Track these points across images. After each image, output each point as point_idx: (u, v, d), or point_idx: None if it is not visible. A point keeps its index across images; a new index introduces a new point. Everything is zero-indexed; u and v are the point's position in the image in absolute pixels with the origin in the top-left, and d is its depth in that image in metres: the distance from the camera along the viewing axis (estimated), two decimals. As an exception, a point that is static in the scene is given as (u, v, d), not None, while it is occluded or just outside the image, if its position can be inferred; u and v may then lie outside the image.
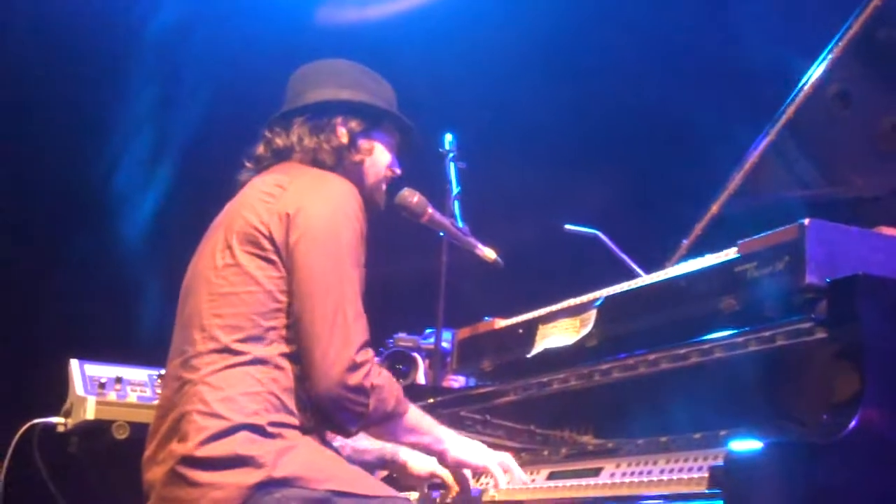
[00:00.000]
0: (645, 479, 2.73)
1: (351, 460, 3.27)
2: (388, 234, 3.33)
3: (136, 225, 5.90)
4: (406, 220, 3.75)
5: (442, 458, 3.22)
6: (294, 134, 3.22)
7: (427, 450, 3.22)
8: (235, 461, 2.83)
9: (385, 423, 3.01)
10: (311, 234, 2.97)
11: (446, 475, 3.30)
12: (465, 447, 3.20)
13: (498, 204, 5.11)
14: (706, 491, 2.48)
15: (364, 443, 3.40)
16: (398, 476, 3.47)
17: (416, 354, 4.86)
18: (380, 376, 2.95)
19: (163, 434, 2.97)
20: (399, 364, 4.84)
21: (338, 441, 3.35)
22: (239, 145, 3.31)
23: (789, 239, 2.71)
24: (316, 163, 3.19)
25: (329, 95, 3.25)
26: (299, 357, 2.95)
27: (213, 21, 6.13)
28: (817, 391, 2.56)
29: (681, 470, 2.70)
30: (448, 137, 4.23)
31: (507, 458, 3.22)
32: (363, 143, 3.26)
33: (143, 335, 5.12)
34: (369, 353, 2.95)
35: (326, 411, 2.93)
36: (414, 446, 3.23)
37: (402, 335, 4.87)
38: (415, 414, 3.10)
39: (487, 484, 3.24)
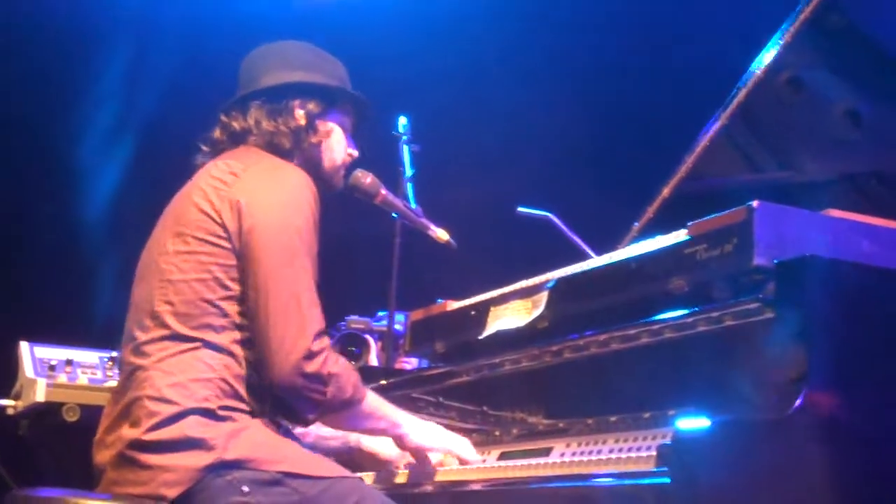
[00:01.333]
0: (594, 458, 2.74)
1: (314, 448, 3.28)
2: (340, 216, 3.32)
3: (90, 205, 5.86)
4: (359, 202, 3.75)
5: (400, 443, 3.22)
6: (251, 117, 3.21)
7: (384, 434, 3.23)
8: (186, 444, 2.82)
9: (343, 411, 3.01)
10: (264, 225, 2.96)
11: (415, 458, 3.31)
12: (424, 431, 3.22)
13: (451, 187, 5.11)
14: (654, 469, 2.49)
15: (327, 430, 3.39)
16: (368, 465, 3.47)
17: (368, 337, 4.87)
18: (337, 364, 2.95)
19: (113, 418, 2.96)
20: (351, 346, 4.84)
21: (300, 428, 3.34)
22: (196, 130, 3.30)
23: (738, 221, 2.73)
24: (273, 146, 3.18)
25: (285, 78, 3.24)
26: (251, 343, 2.95)
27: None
28: (765, 371, 2.57)
29: (630, 449, 2.72)
30: (402, 120, 4.23)
31: (464, 441, 3.23)
32: (321, 125, 3.26)
33: (95, 318, 5.09)
34: (325, 341, 2.95)
35: (284, 400, 2.94)
36: (372, 432, 3.24)
37: (354, 317, 4.88)
38: (372, 399, 3.10)
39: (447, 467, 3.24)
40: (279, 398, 2.95)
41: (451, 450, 3.22)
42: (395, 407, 3.20)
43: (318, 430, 3.36)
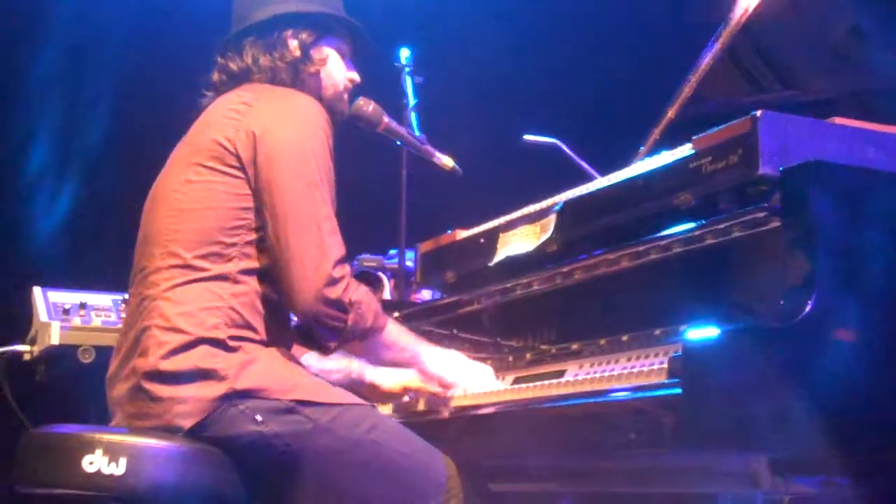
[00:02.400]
0: (606, 375, 2.75)
1: None
2: (348, 156, 3.32)
3: (99, 148, 5.86)
4: (363, 139, 3.74)
5: (422, 373, 3.24)
6: (247, 55, 3.20)
7: (405, 365, 3.24)
8: (197, 374, 2.84)
9: (364, 339, 3.03)
10: (280, 154, 2.96)
11: (417, 387, 3.32)
12: (444, 362, 3.22)
13: (455, 118, 5.08)
14: (666, 381, 2.50)
15: (330, 363, 3.41)
16: (370, 397, 3.48)
17: (381, 274, 4.87)
18: (357, 291, 2.96)
19: (125, 351, 2.98)
20: (365, 284, 4.84)
21: (304, 360, 3.36)
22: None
23: (742, 132, 2.72)
24: (275, 81, 3.18)
25: (275, 10, 3.22)
26: (262, 273, 2.96)
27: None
28: (774, 280, 2.57)
29: (642, 365, 2.73)
30: (404, 52, 4.22)
31: (488, 370, 3.24)
32: (316, 54, 3.25)
33: (108, 262, 5.09)
34: (346, 268, 2.96)
35: (306, 327, 2.96)
36: (393, 362, 3.25)
37: (366, 256, 4.88)
38: (394, 329, 3.12)
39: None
40: (301, 326, 2.96)
41: (467, 386, 3.21)
42: (414, 337, 3.21)
43: (321, 364, 3.38)
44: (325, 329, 2.94)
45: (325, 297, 2.89)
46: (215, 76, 3.25)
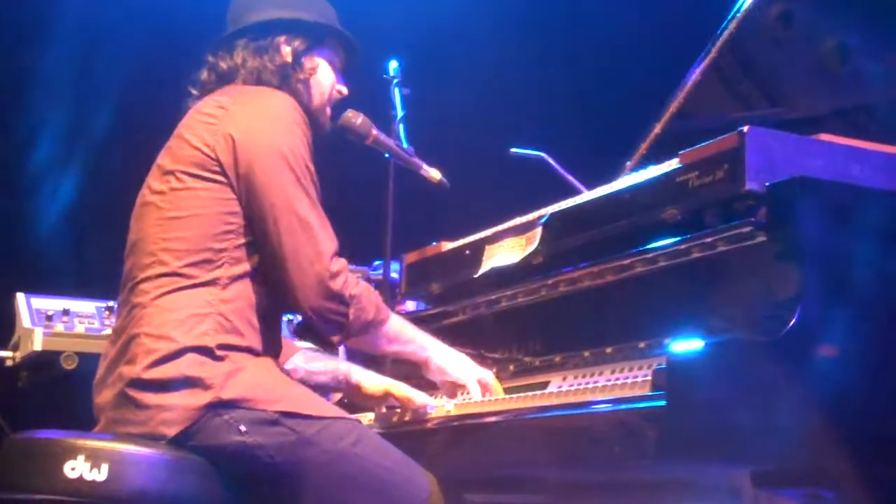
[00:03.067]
0: (590, 387, 2.75)
1: (304, 382, 3.29)
2: (333, 166, 3.32)
3: (85, 157, 5.85)
4: (349, 150, 3.74)
5: (425, 367, 3.23)
6: (238, 56, 3.21)
7: (411, 358, 3.23)
8: (184, 383, 2.83)
9: (366, 333, 3.04)
10: (260, 156, 2.97)
11: (401, 394, 3.32)
12: (450, 357, 3.22)
13: (443, 130, 5.09)
14: (650, 393, 2.50)
15: (317, 364, 3.41)
16: (353, 397, 3.49)
17: (366, 285, 4.85)
18: (357, 286, 2.98)
19: (112, 357, 2.97)
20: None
21: (290, 364, 3.36)
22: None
23: (729, 147, 2.74)
24: (260, 83, 3.18)
25: (271, 15, 3.24)
26: (251, 278, 2.96)
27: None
28: (759, 294, 2.59)
29: (626, 377, 2.73)
30: (393, 64, 4.22)
31: (488, 374, 3.23)
32: (307, 62, 3.26)
33: (92, 269, 5.09)
34: (342, 261, 2.98)
35: (311, 324, 2.97)
36: (397, 355, 3.26)
37: (350, 266, 4.87)
38: (396, 322, 3.13)
39: (465, 397, 3.25)
40: (303, 322, 2.98)
41: (468, 384, 3.20)
42: (421, 331, 3.21)
43: (308, 366, 3.39)
44: (328, 324, 2.96)
45: (325, 291, 2.91)
46: (204, 74, 3.26)
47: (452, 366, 3.22)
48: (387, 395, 3.38)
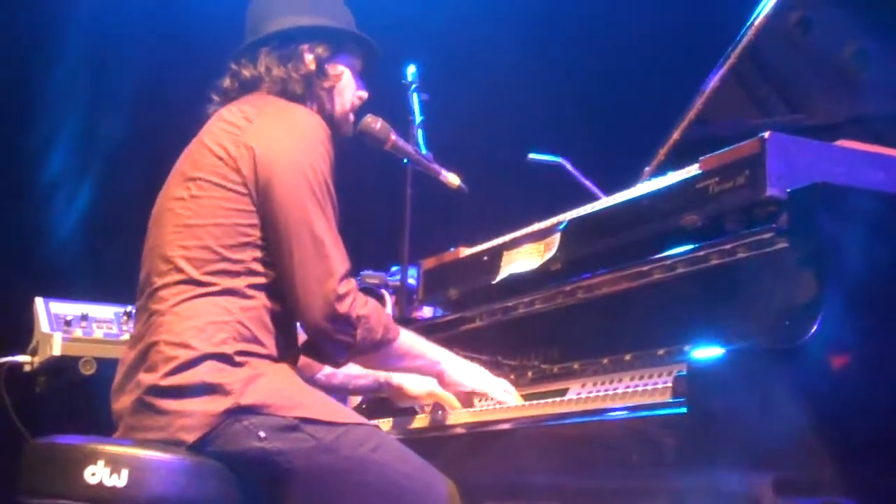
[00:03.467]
0: (610, 394, 2.74)
1: (344, 386, 3.30)
2: (352, 172, 3.32)
3: (104, 162, 5.87)
4: (367, 155, 3.75)
5: (440, 380, 3.23)
6: (261, 64, 3.20)
7: (423, 373, 3.24)
8: (203, 389, 2.83)
9: (374, 352, 3.03)
10: (280, 171, 2.96)
11: (444, 395, 3.32)
12: (464, 369, 3.22)
13: (461, 136, 5.10)
14: (671, 400, 2.49)
15: (356, 368, 3.41)
16: (395, 399, 3.49)
17: (383, 291, 4.87)
18: (366, 306, 2.96)
19: (131, 364, 2.97)
20: (367, 301, 4.84)
21: (328, 367, 3.35)
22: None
23: (750, 153, 2.73)
24: (285, 93, 3.18)
25: (292, 22, 3.22)
26: (269, 288, 2.96)
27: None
28: (779, 301, 2.58)
29: (645, 384, 2.72)
30: (411, 69, 4.23)
31: (506, 383, 3.23)
32: (331, 69, 3.25)
33: (111, 273, 5.10)
34: (352, 282, 2.96)
35: (316, 343, 2.96)
36: (409, 370, 3.26)
37: (369, 272, 4.88)
38: (406, 338, 3.11)
39: (483, 405, 3.24)
40: (310, 342, 2.97)
41: (488, 391, 3.21)
42: (434, 345, 3.21)
43: (347, 369, 3.38)
44: (334, 344, 2.95)
45: (331, 314, 2.90)
46: (227, 82, 3.25)
47: (469, 377, 3.22)
48: (431, 396, 3.39)
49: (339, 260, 2.95)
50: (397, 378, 3.44)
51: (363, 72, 3.36)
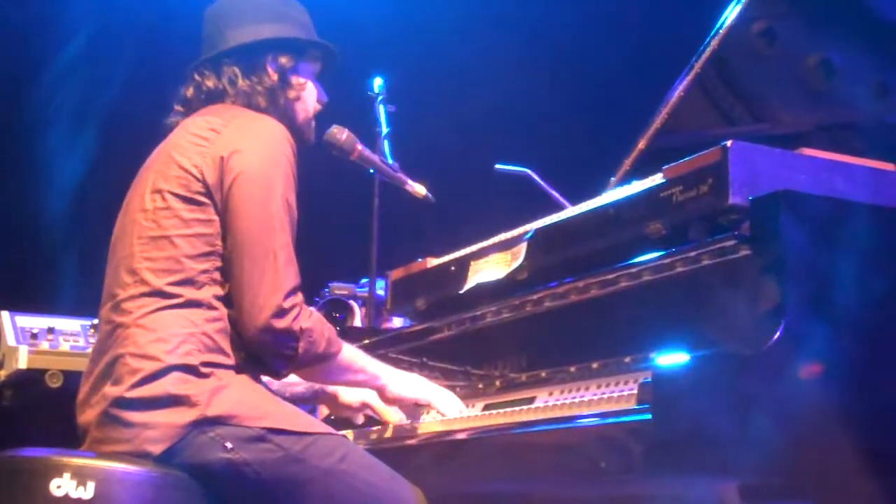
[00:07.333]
0: (577, 401, 2.75)
1: (280, 393, 3.29)
2: (319, 183, 3.33)
3: (65, 174, 5.84)
4: (335, 166, 3.75)
5: (381, 395, 3.24)
6: (225, 76, 3.18)
7: (365, 387, 3.24)
8: (168, 401, 2.82)
9: (317, 365, 3.01)
10: (243, 179, 2.95)
11: (379, 406, 3.32)
12: (404, 381, 3.22)
13: (427, 147, 5.11)
14: (636, 407, 2.51)
15: (292, 376, 3.40)
16: (329, 407, 3.49)
17: (352, 302, 4.88)
18: (309, 319, 2.94)
19: (96, 377, 2.95)
20: (335, 312, 4.86)
21: (265, 377, 3.35)
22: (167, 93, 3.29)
23: (713, 161, 2.75)
24: (251, 106, 3.16)
25: (255, 34, 3.20)
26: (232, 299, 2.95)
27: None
28: (743, 307, 2.59)
29: (612, 392, 2.73)
30: (377, 81, 4.24)
31: (447, 392, 3.25)
32: (294, 79, 3.24)
33: (76, 287, 5.09)
34: (298, 297, 2.94)
35: (257, 354, 2.95)
36: (350, 384, 3.26)
37: (338, 284, 4.89)
38: (349, 353, 3.10)
39: (431, 416, 3.26)
40: (253, 352, 2.96)
41: (431, 401, 3.23)
42: (374, 360, 3.20)
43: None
44: (275, 356, 2.94)
45: (269, 328, 2.88)
46: (189, 92, 3.23)
47: (410, 389, 3.22)
48: (364, 406, 3.39)
49: (288, 275, 2.93)
50: (332, 386, 3.44)
51: (322, 74, 3.35)
